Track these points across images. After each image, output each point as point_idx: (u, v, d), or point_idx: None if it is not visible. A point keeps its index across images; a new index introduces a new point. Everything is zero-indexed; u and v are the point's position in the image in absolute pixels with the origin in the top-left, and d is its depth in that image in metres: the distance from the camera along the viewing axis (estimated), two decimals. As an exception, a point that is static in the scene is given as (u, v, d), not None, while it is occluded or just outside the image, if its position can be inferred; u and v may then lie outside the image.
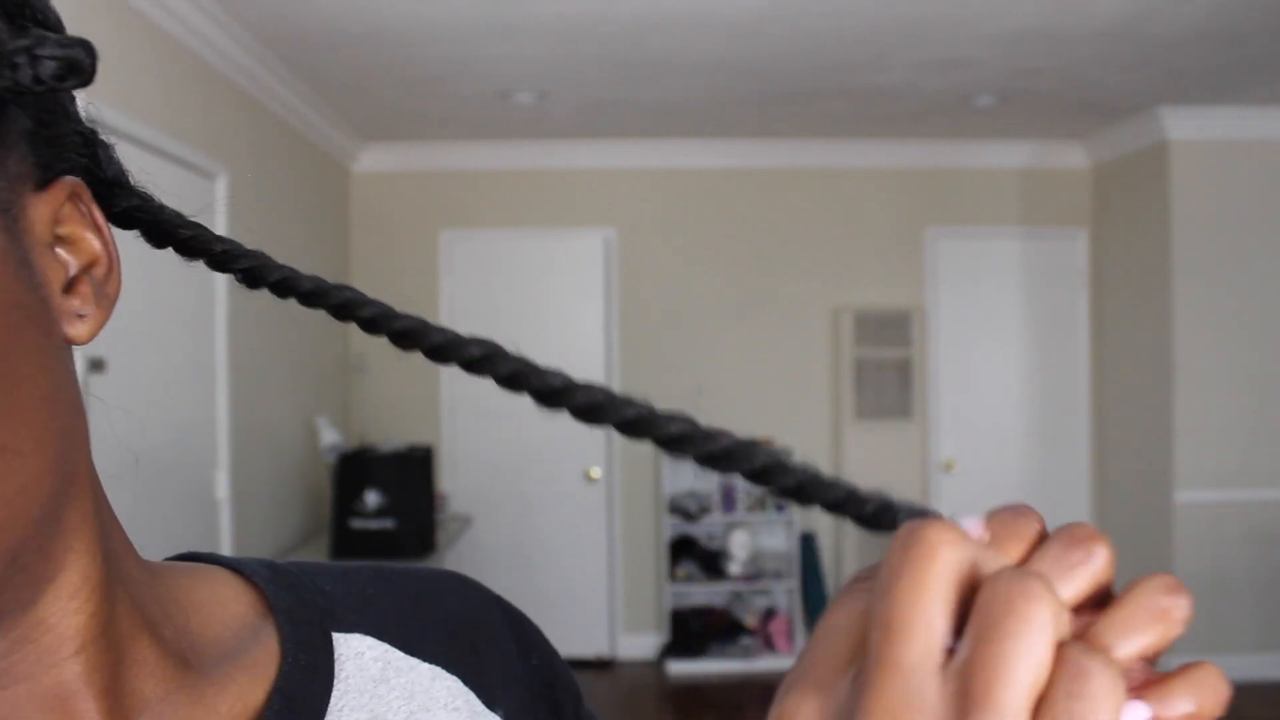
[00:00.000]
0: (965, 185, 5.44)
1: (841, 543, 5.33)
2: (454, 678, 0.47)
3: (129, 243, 0.41)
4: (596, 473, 5.32)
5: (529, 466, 5.29)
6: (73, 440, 0.35)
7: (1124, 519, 5.16)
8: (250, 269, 0.38)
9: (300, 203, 4.52)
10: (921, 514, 0.27)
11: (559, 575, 5.30)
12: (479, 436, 5.27)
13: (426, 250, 5.33)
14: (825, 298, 5.39)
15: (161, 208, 0.40)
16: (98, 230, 0.37)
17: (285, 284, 0.37)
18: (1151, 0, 3.33)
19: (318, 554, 4.02)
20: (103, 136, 0.40)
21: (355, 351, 5.13)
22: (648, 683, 5.03)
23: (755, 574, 5.14)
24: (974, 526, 0.26)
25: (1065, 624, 0.23)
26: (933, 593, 0.23)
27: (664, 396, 5.33)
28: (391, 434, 4.88)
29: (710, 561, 5.19)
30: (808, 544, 5.24)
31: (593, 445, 5.30)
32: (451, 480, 5.22)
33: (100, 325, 0.37)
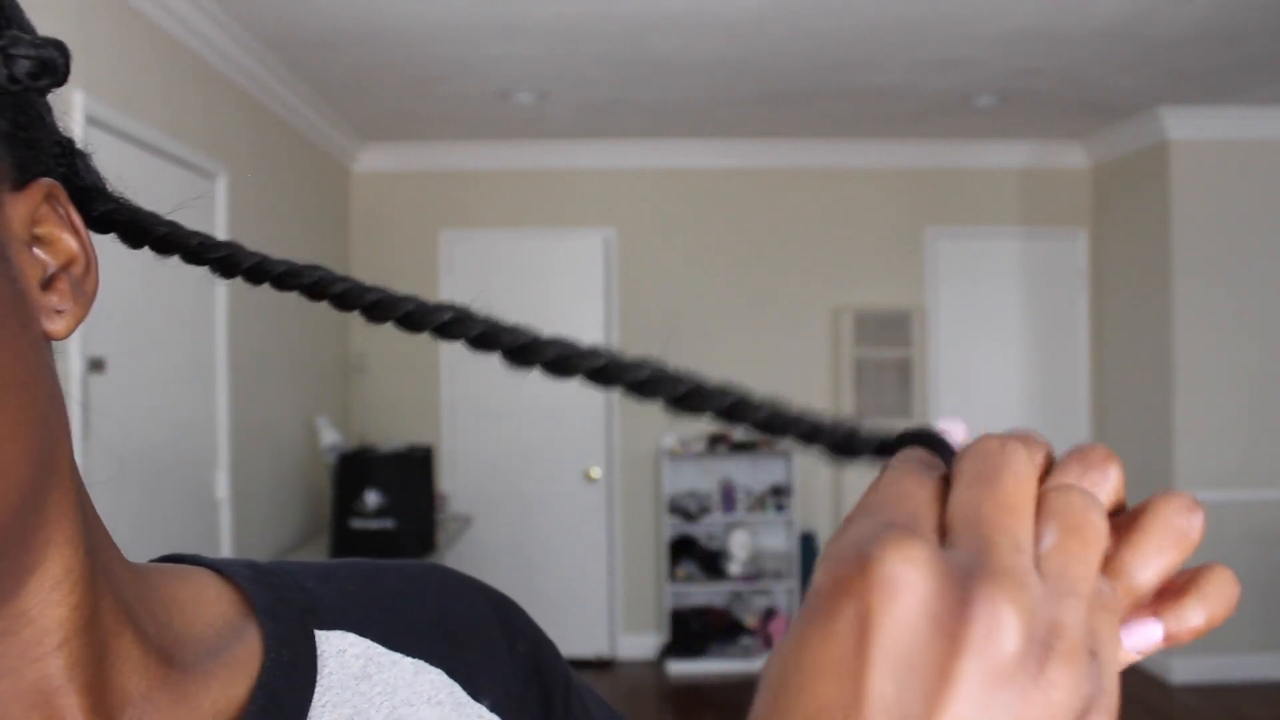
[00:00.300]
0: (965, 185, 5.44)
1: (841, 543, 5.32)
2: (438, 671, 0.47)
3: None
4: (596, 473, 5.32)
5: (529, 466, 5.29)
6: (51, 431, 0.36)
7: (1124, 519, 5.16)
8: (224, 258, 0.39)
9: (300, 203, 4.52)
10: (900, 437, 0.30)
11: (559, 575, 5.30)
12: (479, 436, 5.27)
13: (426, 250, 5.33)
14: (825, 298, 5.39)
15: (137, 209, 0.41)
16: (74, 231, 0.38)
17: (259, 269, 0.38)
18: (1151, 0, 3.33)
19: (318, 554, 4.02)
20: (79, 146, 0.41)
21: (355, 351, 5.13)
22: (648, 683, 5.03)
23: (755, 574, 5.14)
24: (957, 430, 0.30)
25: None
26: (1028, 507, 0.27)
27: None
28: (391, 434, 4.88)
29: (710, 561, 5.19)
30: (808, 544, 5.24)
31: (593, 445, 5.30)
32: (451, 480, 5.22)
33: (78, 321, 0.38)
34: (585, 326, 5.30)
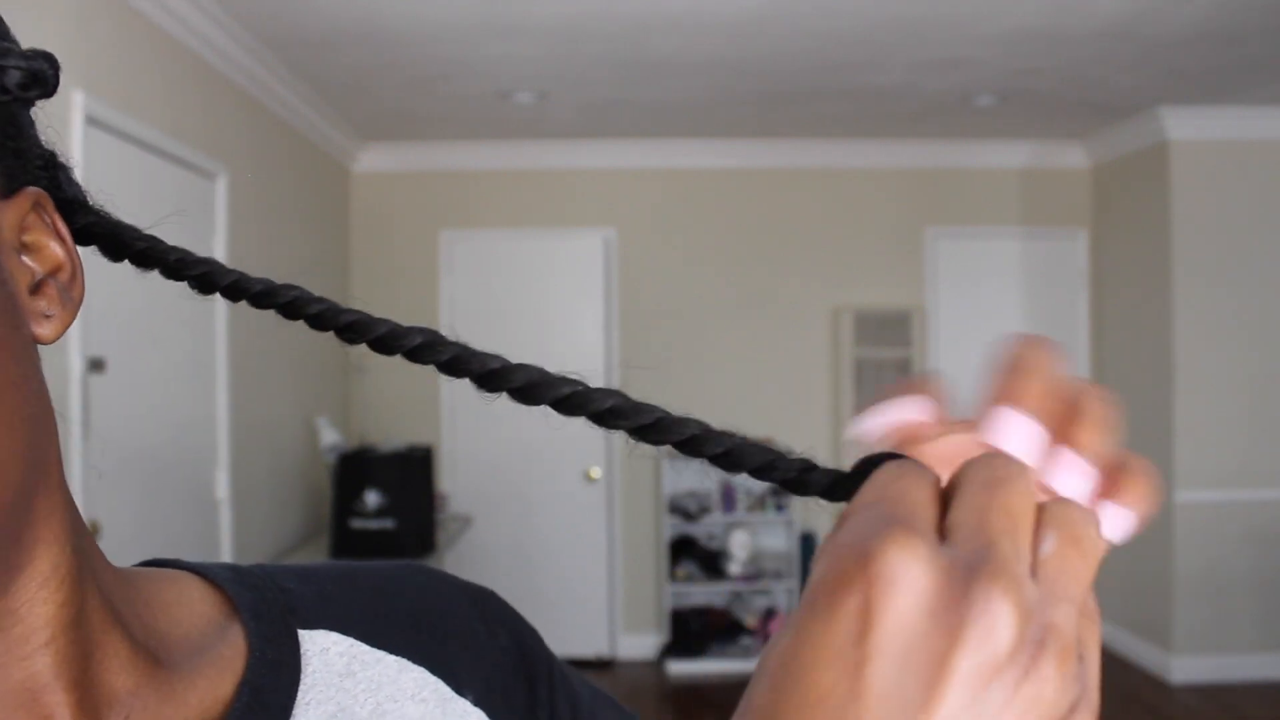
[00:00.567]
0: (965, 185, 5.44)
1: (841, 543, 5.32)
2: (420, 668, 0.48)
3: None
4: (596, 473, 5.32)
5: (529, 466, 5.29)
6: (41, 431, 0.37)
7: (1124, 519, 5.16)
8: (203, 275, 0.40)
9: (300, 203, 4.52)
10: (857, 469, 0.31)
11: (559, 575, 5.30)
12: (479, 436, 5.27)
13: (426, 250, 5.33)
14: (825, 298, 5.39)
15: (117, 222, 0.42)
16: (60, 239, 0.39)
17: (236, 287, 0.39)
18: (1151, 0, 3.33)
19: (318, 554, 4.02)
20: (61, 159, 0.42)
21: (355, 351, 5.12)
22: (648, 683, 5.04)
23: (755, 574, 5.14)
24: (1020, 428, 0.31)
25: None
26: (1030, 516, 0.28)
27: (664, 396, 5.32)
28: (391, 434, 4.88)
29: (710, 561, 5.19)
30: (808, 544, 5.24)
31: (593, 445, 5.30)
32: (451, 480, 5.22)
33: (65, 326, 0.39)
34: (585, 326, 5.30)
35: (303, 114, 4.39)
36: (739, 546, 5.10)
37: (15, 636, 0.36)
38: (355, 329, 0.37)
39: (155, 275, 0.42)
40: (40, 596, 0.36)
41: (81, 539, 0.40)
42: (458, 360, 0.35)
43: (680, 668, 5.07)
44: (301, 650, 0.45)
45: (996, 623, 0.25)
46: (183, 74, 3.31)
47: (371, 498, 3.71)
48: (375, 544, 3.68)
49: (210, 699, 0.41)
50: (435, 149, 5.30)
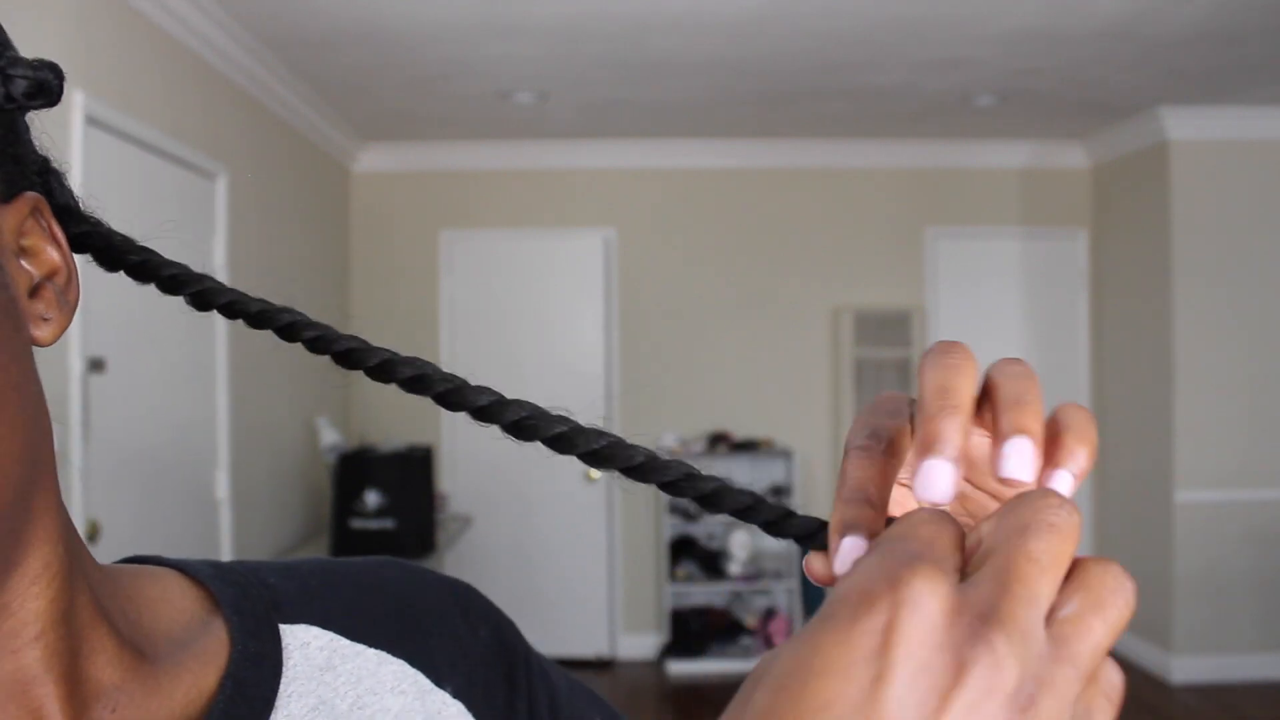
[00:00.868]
0: (965, 185, 5.44)
1: (841, 543, 5.32)
2: (400, 661, 0.49)
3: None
4: (596, 472, 5.32)
5: (529, 466, 5.28)
6: (39, 431, 0.37)
7: (1124, 519, 5.17)
8: (200, 292, 0.41)
9: (300, 203, 4.52)
10: (822, 521, 0.33)
11: (559, 575, 5.30)
12: (479, 436, 5.24)
13: (426, 250, 5.33)
14: (825, 298, 5.39)
15: (111, 233, 0.43)
16: (57, 244, 0.40)
17: (233, 306, 0.40)
18: (1151, 0, 3.33)
19: (318, 554, 4.02)
20: (55, 165, 0.43)
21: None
22: (648, 683, 5.03)
23: (755, 574, 5.14)
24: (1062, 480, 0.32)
25: None
26: (1059, 566, 0.28)
27: (664, 397, 5.34)
28: (391, 434, 4.88)
29: (710, 561, 5.19)
30: (808, 544, 5.24)
31: (593, 445, 5.29)
32: (451, 480, 5.22)
33: (62, 329, 0.40)
34: (585, 326, 5.30)
35: (303, 114, 4.39)
36: (739, 546, 5.10)
37: (7, 630, 0.37)
38: (351, 356, 0.38)
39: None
40: (32, 592, 0.37)
41: (71, 537, 0.41)
42: (419, 380, 0.37)
43: (680, 668, 5.07)
44: (283, 644, 0.46)
45: (993, 672, 0.26)
46: (183, 74, 3.31)
47: (371, 498, 3.71)
48: (375, 544, 3.68)
49: (194, 692, 0.42)
50: (435, 149, 5.30)
